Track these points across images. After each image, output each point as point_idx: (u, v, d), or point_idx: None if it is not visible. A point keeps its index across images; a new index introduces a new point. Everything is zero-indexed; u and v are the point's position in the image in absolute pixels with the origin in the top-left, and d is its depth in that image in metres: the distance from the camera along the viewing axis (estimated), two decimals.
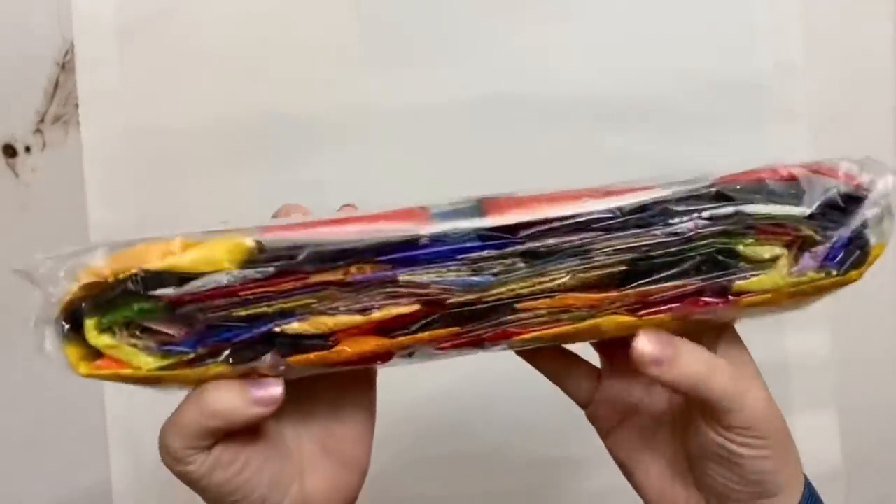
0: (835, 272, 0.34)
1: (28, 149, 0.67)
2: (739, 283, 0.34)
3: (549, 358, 0.41)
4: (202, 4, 0.67)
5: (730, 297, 0.34)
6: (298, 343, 0.33)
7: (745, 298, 0.34)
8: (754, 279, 0.34)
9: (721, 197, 0.34)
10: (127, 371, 0.33)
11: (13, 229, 0.66)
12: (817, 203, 0.34)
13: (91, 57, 0.66)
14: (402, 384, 0.67)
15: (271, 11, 0.67)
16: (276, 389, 0.34)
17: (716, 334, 0.38)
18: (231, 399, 0.34)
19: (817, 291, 0.35)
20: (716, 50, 0.69)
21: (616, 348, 0.39)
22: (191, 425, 0.34)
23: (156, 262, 0.32)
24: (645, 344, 0.34)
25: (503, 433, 0.71)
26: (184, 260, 0.32)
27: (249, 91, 0.67)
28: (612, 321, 0.34)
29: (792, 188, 0.34)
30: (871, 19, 0.71)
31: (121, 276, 0.32)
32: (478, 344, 0.35)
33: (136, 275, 0.32)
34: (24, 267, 0.32)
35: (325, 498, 0.39)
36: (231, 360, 0.33)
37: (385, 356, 0.35)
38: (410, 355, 0.35)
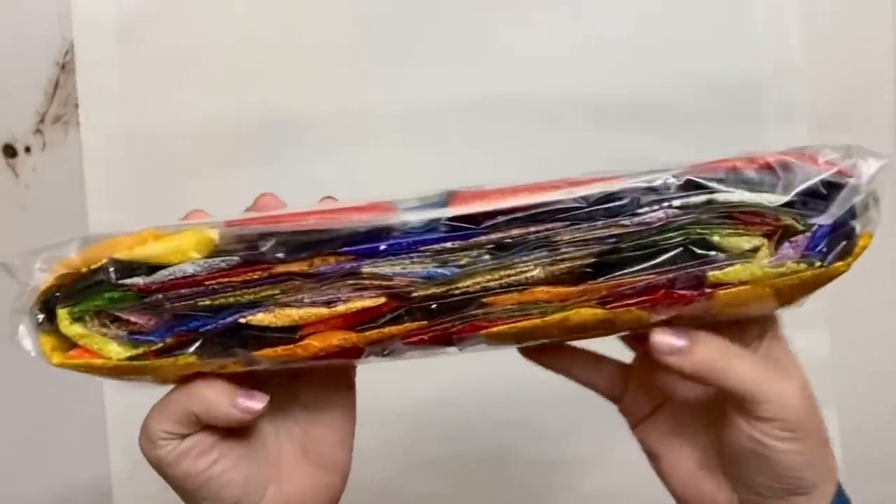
0: (818, 263, 0.33)
1: (28, 149, 0.67)
2: (714, 274, 0.33)
3: (575, 362, 0.41)
4: (202, 5, 0.67)
5: (705, 289, 0.33)
6: (265, 337, 0.34)
7: (722, 291, 0.33)
8: (730, 269, 0.33)
9: (693, 186, 0.33)
10: (98, 361, 0.34)
11: (13, 229, 0.66)
12: (797, 190, 0.33)
13: (91, 57, 0.66)
14: (402, 385, 0.67)
15: (271, 12, 0.67)
16: (257, 404, 0.35)
17: (759, 332, 0.38)
18: (217, 395, 0.35)
19: (803, 285, 0.34)
20: (716, 50, 0.69)
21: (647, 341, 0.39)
22: (173, 408, 0.35)
23: (125, 253, 0.33)
24: (661, 335, 0.35)
25: (503, 434, 0.71)
26: (151, 250, 0.33)
27: (249, 92, 0.67)
28: (582, 314, 0.34)
29: (769, 176, 0.33)
30: (871, 19, 0.71)
31: (92, 267, 0.33)
32: (447, 339, 0.35)
33: (106, 265, 0.33)
34: (3, 261, 0.33)
35: (305, 500, 0.39)
36: (200, 352, 0.34)
37: (354, 352, 0.35)
38: (385, 352, 0.35)
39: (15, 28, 0.66)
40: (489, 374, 0.69)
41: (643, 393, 0.41)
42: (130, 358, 0.34)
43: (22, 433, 0.68)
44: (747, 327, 0.38)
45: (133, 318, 0.34)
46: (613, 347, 0.41)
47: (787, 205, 0.33)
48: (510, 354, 0.68)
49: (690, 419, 0.41)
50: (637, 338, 0.40)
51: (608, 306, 0.34)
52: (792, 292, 0.35)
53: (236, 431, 0.37)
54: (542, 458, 0.71)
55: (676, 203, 0.33)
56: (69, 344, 0.34)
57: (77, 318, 0.34)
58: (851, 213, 0.33)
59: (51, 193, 0.67)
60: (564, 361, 0.41)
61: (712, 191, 0.33)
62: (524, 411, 0.70)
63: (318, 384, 0.39)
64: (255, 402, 0.35)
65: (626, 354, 0.43)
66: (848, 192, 0.33)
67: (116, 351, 0.34)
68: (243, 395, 0.35)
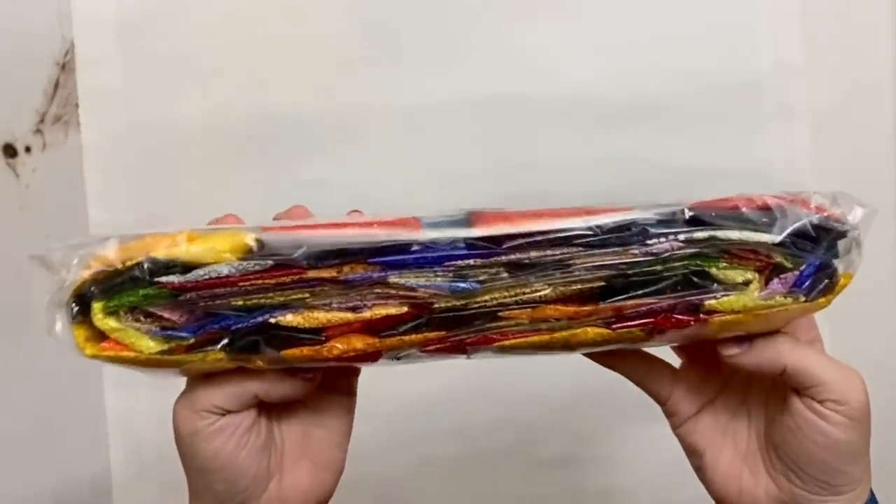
0: (803, 298, 0.36)
1: (28, 149, 0.67)
2: (710, 303, 0.36)
3: (630, 362, 0.43)
4: (202, 4, 0.67)
5: (701, 315, 0.36)
6: (292, 337, 0.36)
7: (716, 318, 0.36)
8: (724, 299, 0.36)
9: (697, 221, 0.36)
10: (130, 354, 0.35)
11: (13, 229, 0.66)
12: (788, 231, 0.36)
13: (91, 57, 0.66)
14: (402, 385, 0.67)
15: (271, 11, 0.67)
16: (315, 375, 0.39)
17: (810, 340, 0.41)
18: (275, 374, 0.38)
19: (789, 315, 0.37)
20: (716, 50, 0.69)
21: (695, 345, 0.42)
22: (231, 386, 0.37)
23: (162, 252, 0.34)
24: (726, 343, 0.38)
25: (503, 434, 0.71)
26: (188, 251, 0.34)
27: (249, 91, 0.67)
28: (588, 332, 0.37)
29: (765, 216, 0.36)
30: (871, 19, 0.71)
31: (128, 264, 0.34)
32: (461, 349, 0.37)
33: (142, 263, 0.34)
34: (41, 253, 0.35)
35: (301, 496, 0.41)
36: (229, 349, 0.36)
37: (374, 356, 0.37)
38: (398, 358, 0.37)
39: (15, 28, 0.66)
40: (489, 374, 0.69)
41: (689, 395, 0.44)
42: (162, 352, 0.35)
43: (22, 433, 0.68)
44: (798, 335, 0.41)
45: (166, 315, 0.35)
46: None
47: (779, 244, 0.36)
48: (510, 354, 0.68)
49: (734, 418, 0.43)
50: (684, 346, 0.44)
51: (612, 327, 0.37)
52: (779, 321, 0.38)
53: (263, 426, 0.40)
54: (542, 458, 0.71)
55: (682, 237, 0.36)
56: (102, 337, 0.35)
57: (111, 313, 0.35)
58: (835, 255, 0.37)
59: (51, 193, 0.67)
60: (619, 360, 0.43)
61: (715, 227, 0.36)
62: (524, 411, 0.70)
63: (322, 388, 0.41)
64: (314, 375, 0.39)
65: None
66: (834, 235, 0.36)
67: (148, 345, 0.35)
68: (298, 370, 0.38)
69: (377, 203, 0.65)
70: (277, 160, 0.67)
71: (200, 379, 0.38)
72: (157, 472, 0.67)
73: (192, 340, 0.35)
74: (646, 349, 0.43)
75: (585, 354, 0.41)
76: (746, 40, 0.69)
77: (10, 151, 0.67)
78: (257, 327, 0.35)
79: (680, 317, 0.36)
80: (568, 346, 0.38)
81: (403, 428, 0.69)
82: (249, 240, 0.34)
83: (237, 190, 0.67)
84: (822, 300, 0.37)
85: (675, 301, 0.36)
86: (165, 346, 0.35)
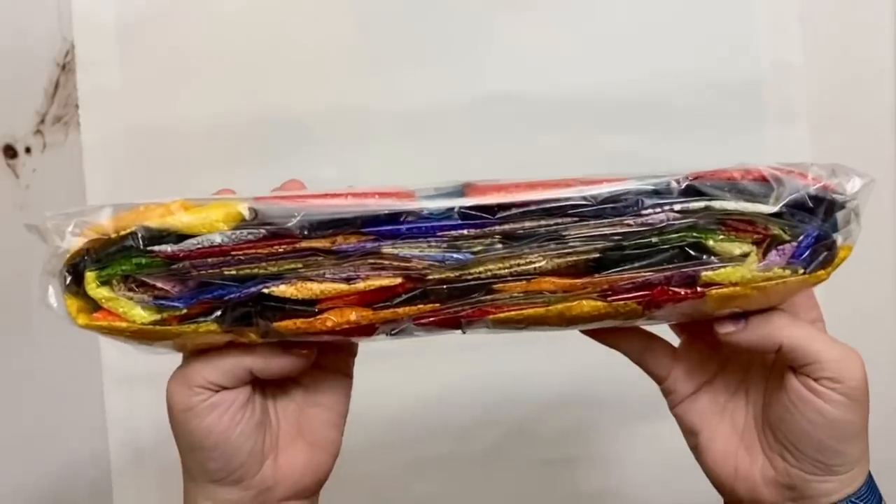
0: (802, 270, 0.36)
1: (28, 150, 0.67)
2: (707, 274, 0.36)
3: (630, 339, 0.43)
4: (202, 5, 0.67)
5: (698, 288, 0.36)
6: (285, 309, 0.35)
7: (713, 291, 0.36)
8: (721, 271, 0.35)
9: (692, 192, 0.35)
10: (122, 324, 0.35)
11: (13, 230, 0.66)
12: (784, 201, 0.35)
13: (91, 57, 0.66)
14: (402, 385, 0.67)
15: (271, 12, 0.67)
16: (311, 349, 0.39)
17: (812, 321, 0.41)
18: (270, 349, 0.38)
19: (788, 289, 0.37)
20: (716, 50, 0.69)
21: (695, 324, 0.42)
22: (225, 363, 0.37)
23: (155, 221, 0.34)
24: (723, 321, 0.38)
25: (503, 434, 0.71)
26: (182, 220, 0.34)
27: (249, 91, 0.67)
28: (583, 305, 0.36)
29: (761, 187, 0.35)
30: (871, 19, 0.71)
31: (122, 233, 0.34)
32: (455, 322, 0.37)
33: (136, 232, 0.34)
34: (37, 223, 0.35)
35: (297, 476, 0.41)
36: (221, 321, 0.35)
37: (368, 329, 0.36)
38: (393, 333, 0.37)
39: (15, 28, 0.66)
40: (489, 374, 0.70)
41: (688, 374, 0.43)
42: (154, 322, 0.35)
43: (22, 432, 0.68)
44: (798, 314, 0.40)
45: (159, 284, 0.35)
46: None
47: (776, 216, 0.35)
48: (510, 355, 0.68)
49: (731, 398, 0.43)
50: (683, 325, 0.44)
51: (608, 299, 0.36)
52: (778, 295, 0.37)
53: (258, 404, 0.40)
54: (542, 458, 0.71)
55: (677, 207, 0.35)
56: (95, 309, 0.35)
57: (104, 282, 0.35)
58: (834, 226, 0.36)
59: (51, 193, 0.67)
60: (619, 337, 0.43)
61: (711, 198, 0.35)
62: (524, 411, 0.70)
63: (318, 367, 0.41)
64: (310, 349, 0.38)
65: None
66: (832, 206, 0.36)
67: (141, 315, 0.35)
68: (294, 345, 0.38)
69: None
70: (277, 160, 0.67)
71: (195, 355, 0.38)
72: (156, 472, 0.67)
73: (184, 311, 0.35)
74: (645, 328, 0.42)
75: (586, 332, 0.41)
76: (746, 40, 0.69)
77: (10, 152, 0.67)
78: (250, 298, 0.35)
79: (676, 290, 0.36)
80: (564, 320, 0.37)
81: (399, 428, 0.69)
82: (243, 209, 0.34)
83: (237, 189, 0.67)
84: (821, 273, 0.36)
85: (672, 273, 0.36)
86: (158, 317, 0.35)
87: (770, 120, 0.70)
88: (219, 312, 0.35)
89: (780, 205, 0.35)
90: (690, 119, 0.69)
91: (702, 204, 0.35)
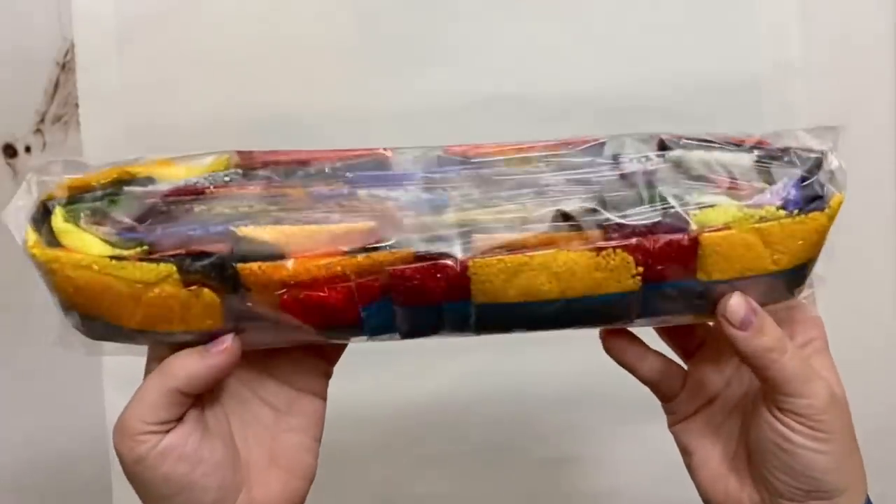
0: (797, 211, 0.35)
1: (28, 149, 0.67)
2: (696, 215, 0.35)
3: (647, 361, 0.43)
4: (202, 4, 0.67)
5: (690, 232, 0.35)
6: (249, 254, 0.34)
7: (707, 233, 0.35)
8: (709, 210, 0.35)
9: (669, 145, 0.36)
10: (76, 257, 0.34)
11: None
12: (761, 152, 0.35)
13: (91, 57, 0.66)
14: (402, 385, 0.67)
15: (271, 11, 0.67)
16: (227, 342, 0.35)
17: (804, 342, 0.40)
18: (187, 357, 0.35)
19: (791, 234, 0.35)
20: (716, 50, 0.69)
21: (696, 347, 0.44)
22: (151, 395, 0.35)
23: (136, 170, 0.35)
24: (739, 304, 0.36)
25: (503, 434, 0.71)
26: (161, 169, 0.35)
27: (249, 91, 0.67)
28: (570, 256, 0.35)
29: (738, 145, 0.36)
30: (871, 19, 0.71)
31: (103, 182, 0.35)
32: (433, 276, 0.34)
33: (116, 178, 0.35)
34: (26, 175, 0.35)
35: None
36: (181, 263, 0.34)
37: (339, 279, 0.34)
38: (373, 331, 0.36)
39: (15, 28, 0.66)
40: (489, 373, 0.69)
41: (690, 395, 0.44)
42: (111, 257, 0.34)
43: (23, 432, 0.68)
44: (793, 335, 0.40)
45: (127, 220, 0.34)
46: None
47: (756, 163, 0.35)
48: (510, 355, 0.68)
49: (726, 422, 0.43)
50: (687, 351, 0.44)
51: (599, 250, 0.35)
52: (782, 243, 0.36)
53: (214, 434, 0.37)
54: (542, 458, 0.71)
55: (654, 156, 0.36)
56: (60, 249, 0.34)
57: (71, 219, 0.34)
58: (818, 165, 0.36)
59: None
60: (636, 357, 0.43)
61: (688, 147, 0.36)
62: (524, 411, 0.70)
63: (290, 388, 0.40)
64: (225, 342, 0.35)
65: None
66: (810, 162, 0.36)
67: (100, 249, 0.34)
68: (211, 344, 0.35)
69: None
70: None
71: (128, 405, 0.36)
72: None
73: (146, 246, 0.34)
74: (661, 333, 0.43)
75: (606, 351, 0.42)
76: (746, 40, 0.69)
77: (11, 151, 0.67)
78: (217, 238, 0.34)
79: (670, 236, 0.35)
80: (553, 277, 0.35)
81: (399, 428, 0.69)
82: (222, 157, 0.36)
83: None
84: (818, 215, 0.35)
85: (659, 218, 0.35)
86: (115, 252, 0.34)
87: (770, 120, 0.70)
88: (181, 252, 0.34)
89: (758, 153, 0.35)
90: (691, 119, 0.69)
91: (678, 153, 0.35)
